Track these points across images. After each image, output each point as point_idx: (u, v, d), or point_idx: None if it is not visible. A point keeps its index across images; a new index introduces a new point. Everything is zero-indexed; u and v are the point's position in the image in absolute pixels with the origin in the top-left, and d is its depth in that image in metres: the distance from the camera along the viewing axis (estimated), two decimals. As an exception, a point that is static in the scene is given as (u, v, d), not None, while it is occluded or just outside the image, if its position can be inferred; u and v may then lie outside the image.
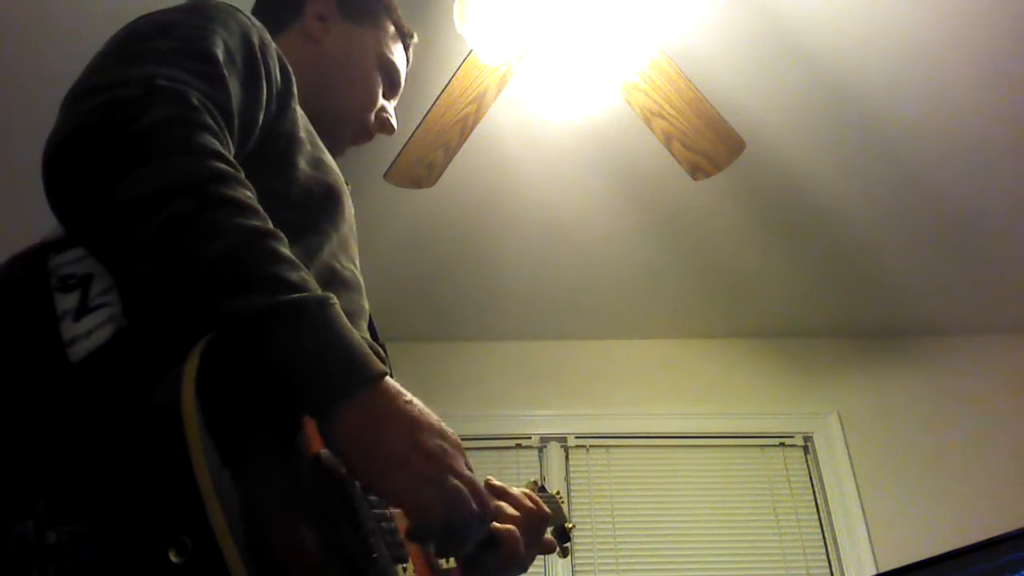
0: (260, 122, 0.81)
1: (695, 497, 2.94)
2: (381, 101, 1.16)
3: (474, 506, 0.65)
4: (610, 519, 2.89)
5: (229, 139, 0.72)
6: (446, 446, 0.66)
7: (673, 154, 2.06)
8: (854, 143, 2.49)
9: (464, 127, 2.02)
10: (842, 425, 3.04)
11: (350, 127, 1.13)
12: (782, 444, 3.05)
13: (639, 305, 3.14)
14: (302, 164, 0.87)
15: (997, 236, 2.80)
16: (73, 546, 0.56)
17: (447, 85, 1.95)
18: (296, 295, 0.61)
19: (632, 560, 2.83)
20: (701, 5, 2.13)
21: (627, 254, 2.91)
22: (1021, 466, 2.88)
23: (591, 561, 2.81)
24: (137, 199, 0.62)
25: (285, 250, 0.65)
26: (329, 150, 1.04)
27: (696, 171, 2.09)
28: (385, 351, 0.89)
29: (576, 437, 3.04)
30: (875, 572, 2.63)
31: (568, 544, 1.40)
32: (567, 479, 2.96)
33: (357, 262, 0.95)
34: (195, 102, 0.69)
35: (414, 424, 0.64)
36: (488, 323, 3.21)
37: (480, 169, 2.56)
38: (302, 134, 0.89)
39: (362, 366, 0.63)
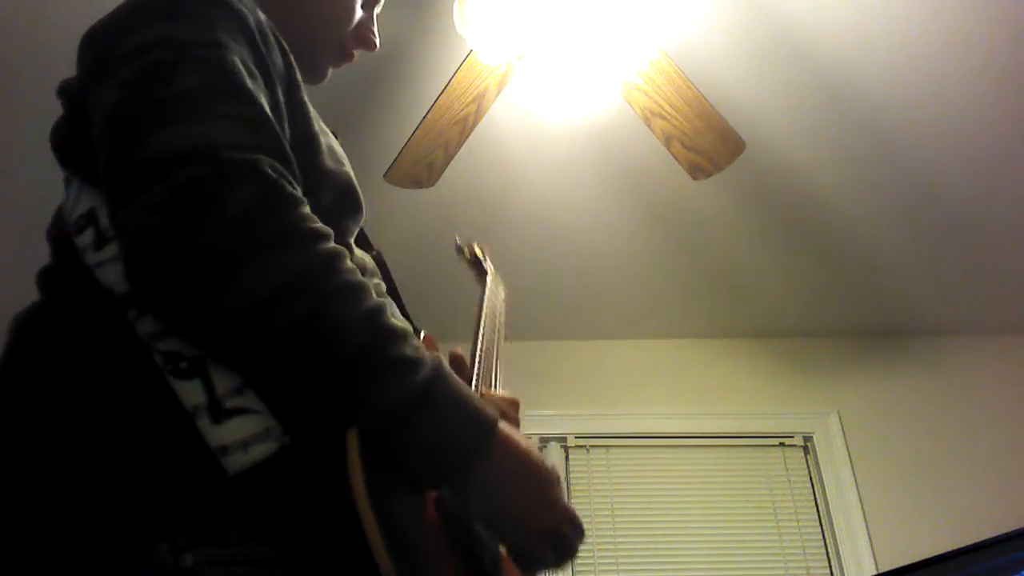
0: (285, 131, 0.77)
1: (695, 497, 2.94)
2: (359, 14, 1.05)
3: (576, 541, 0.74)
4: (610, 519, 2.89)
5: (295, 180, 0.70)
6: (552, 492, 0.72)
7: (673, 154, 2.06)
8: (854, 143, 2.49)
9: (464, 127, 2.02)
10: (842, 425, 3.03)
11: (328, 52, 1.04)
12: (782, 444, 3.04)
13: (639, 305, 3.14)
14: (327, 163, 0.84)
15: (997, 236, 2.80)
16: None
17: (447, 85, 1.95)
18: (421, 375, 0.65)
19: (632, 560, 2.83)
20: (701, 5, 2.13)
21: (627, 254, 2.91)
22: (1021, 466, 2.88)
23: (591, 561, 2.81)
24: (250, 307, 0.61)
25: (390, 318, 0.67)
26: (309, 80, 1.00)
27: (696, 171, 2.10)
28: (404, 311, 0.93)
29: (576, 437, 3.04)
30: (875, 572, 2.63)
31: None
32: (567, 479, 2.96)
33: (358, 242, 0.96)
34: (269, 172, 0.66)
35: (527, 479, 0.70)
36: (488, 323, 3.20)
37: (480, 169, 2.56)
38: (315, 126, 0.85)
39: (480, 429, 0.68)
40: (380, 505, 0.59)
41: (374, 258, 0.98)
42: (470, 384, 0.98)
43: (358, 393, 0.63)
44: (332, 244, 0.66)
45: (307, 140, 0.82)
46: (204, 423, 0.63)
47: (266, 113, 0.72)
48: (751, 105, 2.35)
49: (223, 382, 0.65)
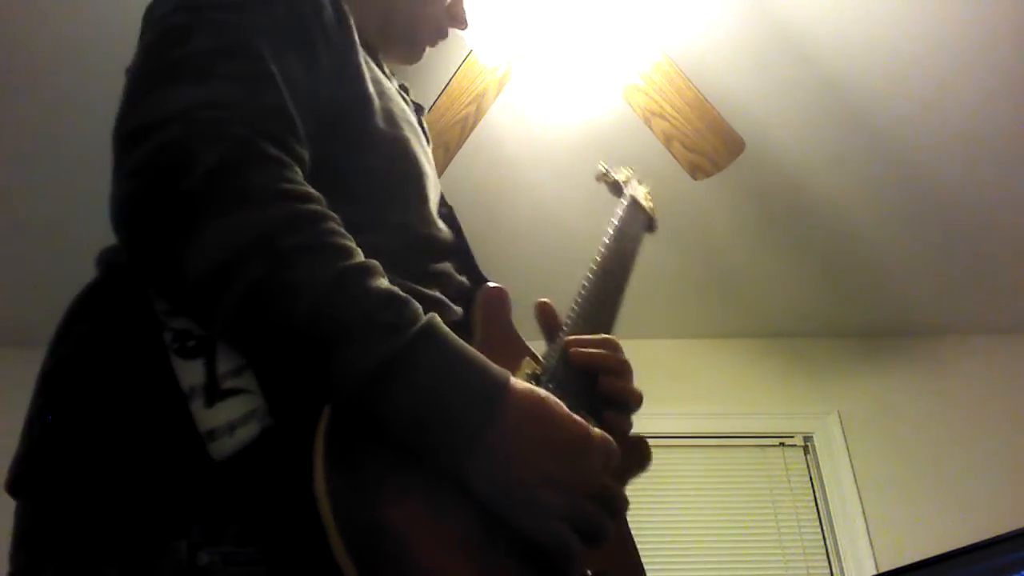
0: (329, 92, 0.76)
1: (695, 497, 2.94)
2: None
3: (606, 519, 0.64)
4: (610, 519, 2.89)
5: (292, 140, 0.67)
6: (573, 463, 0.63)
7: (673, 154, 2.06)
8: (854, 143, 2.49)
9: (464, 127, 2.02)
10: (842, 425, 3.03)
11: (426, 30, 1.06)
12: (782, 444, 3.04)
13: (639, 305, 3.14)
14: (380, 126, 0.82)
15: (997, 236, 2.79)
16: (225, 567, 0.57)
17: (447, 85, 1.95)
18: (398, 340, 0.59)
19: (632, 560, 2.82)
20: (702, 7, 2.13)
21: (627, 254, 2.91)
22: (1021, 466, 2.88)
23: (591, 561, 2.81)
24: (209, 270, 0.59)
25: (371, 281, 0.61)
26: (405, 59, 1.04)
27: (696, 171, 2.10)
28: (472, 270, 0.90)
29: (576, 437, 3.04)
30: (875, 572, 2.63)
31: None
32: (567, 479, 2.95)
33: (438, 205, 0.92)
34: (240, 131, 0.63)
35: (539, 450, 0.62)
36: (488, 323, 3.20)
37: (480, 169, 2.56)
38: (370, 89, 0.82)
39: (479, 395, 0.60)
40: (349, 498, 0.55)
41: (445, 216, 0.94)
42: (556, 331, 0.90)
43: (320, 361, 0.58)
44: (305, 205, 0.63)
45: (359, 102, 0.81)
46: (197, 406, 0.60)
47: (269, 70, 0.69)
48: (751, 106, 2.35)
49: (226, 362, 0.62)
